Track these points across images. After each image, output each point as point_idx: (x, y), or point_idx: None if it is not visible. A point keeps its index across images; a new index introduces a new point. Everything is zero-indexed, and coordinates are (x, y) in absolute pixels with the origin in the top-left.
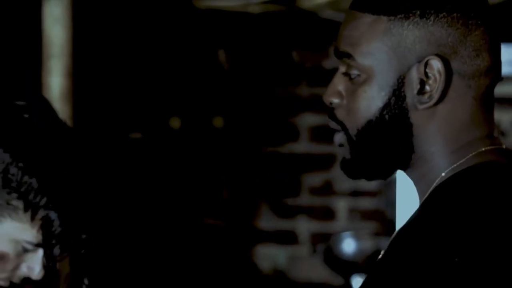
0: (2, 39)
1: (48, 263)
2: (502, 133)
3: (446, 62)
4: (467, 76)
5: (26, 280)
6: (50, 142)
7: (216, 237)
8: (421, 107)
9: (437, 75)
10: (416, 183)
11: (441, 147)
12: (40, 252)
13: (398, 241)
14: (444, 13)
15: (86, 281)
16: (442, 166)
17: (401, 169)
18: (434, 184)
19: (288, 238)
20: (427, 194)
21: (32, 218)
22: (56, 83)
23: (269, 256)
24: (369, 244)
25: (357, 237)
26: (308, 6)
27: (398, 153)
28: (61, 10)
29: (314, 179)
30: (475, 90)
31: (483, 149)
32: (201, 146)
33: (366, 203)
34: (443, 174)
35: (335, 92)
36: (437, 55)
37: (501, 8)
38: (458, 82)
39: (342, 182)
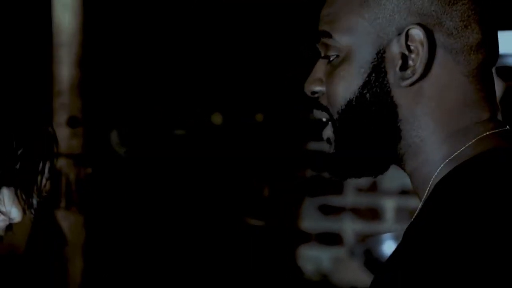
0: (11, 27)
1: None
2: None
3: (429, 33)
4: (454, 51)
5: (10, 227)
6: None
7: (258, 237)
8: (404, 83)
9: (419, 47)
10: (411, 177)
11: (432, 132)
12: (4, 191)
13: (403, 243)
14: None
15: (34, 201)
16: (438, 156)
17: (393, 161)
18: (431, 181)
19: (332, 239)
20: (426, 194)
21: None
22: (65, 72)
23: (313, 258)
24: None
25: (397, 238)
26: None
27: (384, 139)
28: None
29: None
30: (465, 67)
31: (485, 134)
32: (243, 143)
33: (414, 203)
34: (440, 166)
35: (315, 79)
36: (419, 24)
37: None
38: (444, 57)
39: (390, 180)
